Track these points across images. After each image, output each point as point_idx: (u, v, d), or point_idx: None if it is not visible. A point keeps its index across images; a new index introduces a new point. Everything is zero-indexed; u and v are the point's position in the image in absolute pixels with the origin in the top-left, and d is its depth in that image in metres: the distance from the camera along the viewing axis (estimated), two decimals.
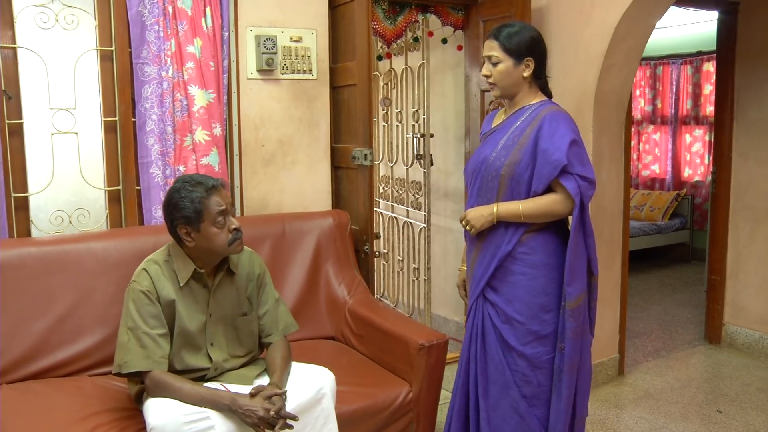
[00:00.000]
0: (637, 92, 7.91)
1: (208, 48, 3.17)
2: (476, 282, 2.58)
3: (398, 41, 4.22)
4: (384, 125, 5.05)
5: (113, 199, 3.16)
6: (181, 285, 2.29)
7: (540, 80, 2.58)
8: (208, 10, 3.17)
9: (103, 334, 2.77)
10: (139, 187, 3.17)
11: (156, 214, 3.16)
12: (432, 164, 4.51)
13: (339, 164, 3.65)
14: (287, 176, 3.50)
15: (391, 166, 4.97)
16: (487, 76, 2.52)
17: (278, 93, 3.44)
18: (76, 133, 3.05)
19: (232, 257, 2.41)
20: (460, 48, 4.31)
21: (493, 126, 2.67)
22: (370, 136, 3.40)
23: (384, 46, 4.21)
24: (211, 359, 2.34)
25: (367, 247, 3.46)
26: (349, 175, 3.59)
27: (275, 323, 2.52)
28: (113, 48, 3.08)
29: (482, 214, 2.51)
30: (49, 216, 3.04)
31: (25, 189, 2.98)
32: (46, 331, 2.68)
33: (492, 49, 2.49)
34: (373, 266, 3.51)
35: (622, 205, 3.91)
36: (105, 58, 3.09)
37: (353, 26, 3.43)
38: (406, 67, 4.62)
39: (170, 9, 3.10)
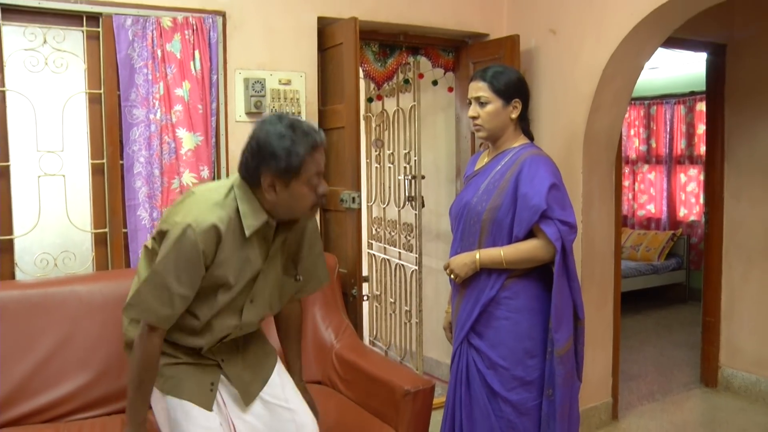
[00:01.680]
0: (632, 132, 7.99)
1: (196, 91, 3.21)
2: (460, 327, 2.58)
3: (389, 83, 4.28)
4: (377, 166, 5.09)
5: (100, 241, 3.17)
6: (247, 235, 2.00)
7: (523, 122, 2.61)
8: (197, 53, 3.22)
9: (86, 378, 2.76)
10: (125, 230, 3.17)
11: None
12: (423, 206, 4.53)
13: (328, 207, 3.67)
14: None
15: (384, 208, 4.99)
16: (474, 118, 2.54)
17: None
18: (63, 176, 3.07)
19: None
20: (450, 90, 4.37)
21: (476, 169, 2.69)
22: (358, 178, 3.42)
23: (375, 88, 4.26)
24: (241, 317, 2.14)
25: (355, 290, 3.46)
26: (338, 218, 3.61)
27: (313, 274, 2.36)
28: (102, 91, 3.12)
29: (465, 262, 2.52)
30: (35, 258, 3.04)
31: (10, 231, 2.99)
32: (26, 375, 2.66)
33: (480, 89, 2.51)
34: (361, 310, 3.51)
35: (613, 245, 3.92)
36: (93, 100, 3.13)
37: (342, 69, 3.48)
38: (398, 109, 4.68)
39: (159, 52, 3.15)
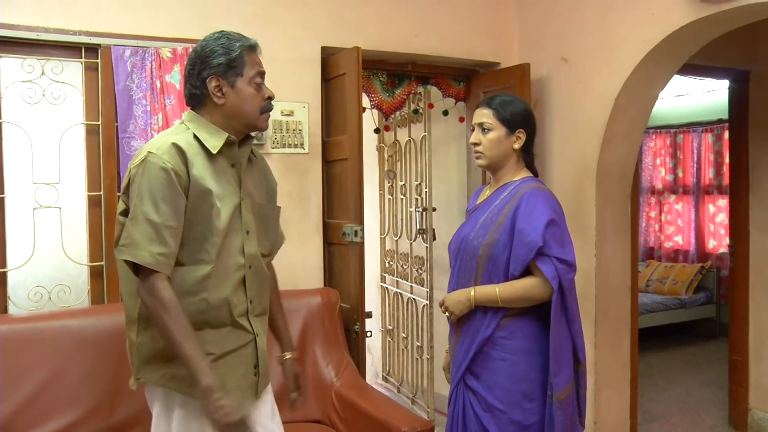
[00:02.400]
0: (657, 161, 7.86)
1: None
2: (456, 367, 2.50)
3: (398, 113, 4.24)
4: (389, 198, 5.04)
5: (96, 274, 3.15)
6: (214, 153, 1.97)
7: (527, 156, 2.54)
8: None
9: (76, 415, 2.73)
10: None
11: None
12: (435, 239, 4.46)
13: (332, 240, 3.62)
14: (278, 252, 3.46)
15: (396, 241, 4.93)
16: (476, 144, 2.49)
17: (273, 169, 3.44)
18: (59, 208, 3.07)
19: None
20: (462, 120, 4.32)
21: (477, 203, 2.63)
22: (360, 211, 3.37)
23: (384, 119, 4.23)
24: (244, 253, 2.04)
25: (357, 326, 3.39)
26: (341, 252, 3.56)
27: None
28: (100, 122, 3.12)
29: (460, 299, 2.45)
30: (29, 292, 3.03)
31: (3, 264, 2.98)
32: (14, 411, 2.63)
33: (484, 116, 2.46)
34: (364, 346, 3.44)
35: (629, 280, 3.81)
36: (91, 132, 3.14)
37: (345, 99, 3.45)
38: (410, 139, 4.64)
39: (158, 83, 3.16)
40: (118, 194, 3.14)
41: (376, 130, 4.18)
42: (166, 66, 3.18)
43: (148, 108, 3.16)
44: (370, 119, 4.08)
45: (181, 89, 3.16)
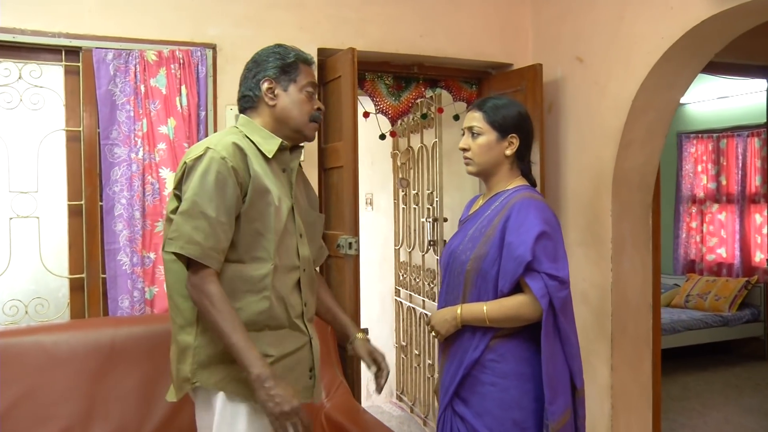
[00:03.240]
0: (699, 168, 7.54)
1: (182, 128, 3.11)
2: (444, 391, 2.34)
3: (411, 118, 4.09)
4: (403, 207, 4.90)
5: (76, 287, 3.07)
6: (270, 158, 2.06)
7: (523, 163, 2.38)
8: (183, 88, 3.12)
9: None
10: (104, 275, 3.06)
11: (122, 304, 3.05)
12: None
13: (330, 252, 3.48)
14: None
15: (410, 252, 4.78)
16: (465, 150, 2.35)
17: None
18: (38, 218, 3.00)
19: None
20: None
21: (470, 213, 2.48)
22: (356, 222, 3.23)
23: (390, 124, 4.09)
24: (299, 255, 2.12)
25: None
26: (338, 265, 3.42)
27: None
28: (81, 128, 3.05)
29: (446, 318, 2.31)
30: (3, 306, 2.96)
31: None
32: None
33: (474, 119, 2.32)
34: (359, 366, 3.28)
35: (650, 297, 3.58)
36: (72, 138, 3.06)
37: (341, 103, 3.32)
38: (422, 146, 4.49)
39: (142, 88, 3.07)
40: (100, 203, 3.06)
41: (382, 136, 4.03)
42: (151, 69, 3.09)
43: (132, 114, 3.07)
44: (376, 125, 3.92)
45: (167, 93, 3.10)
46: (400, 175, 4.83)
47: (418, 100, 3.98)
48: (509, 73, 3.83)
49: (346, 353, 2.45)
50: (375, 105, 3.86)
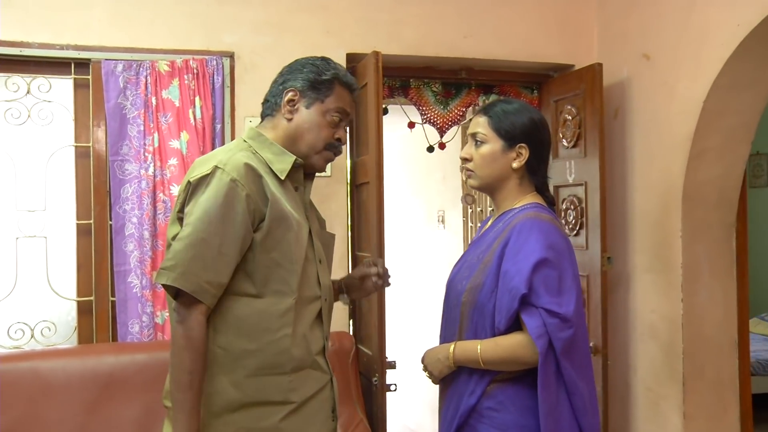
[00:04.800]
0: None
1: (195, 142, 2.96)
2: None
3: (457, 127, 3.78)
4: (471, 226, 4.57)
5: (85, 311, 2.96)
6: (282, 179, 1.81)
7: (535, 177, 2.03)
8: (197, 100, 2.98)
9: None
10: (113, 299, 2.94)
11: (132, 329, 2.91)
12: None
13: None
14: None
15: None
16: (465, 160, 2.03)
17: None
18: (45, 237, 2.93)
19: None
20: None
21: (480, 234, 2.16)
22: (381, 243, 2.95)
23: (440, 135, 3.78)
24: (320, 284, 1.89)
25: (377, 378, 2.95)
26: None
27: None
28: (90, 144, 2.95)
29: (438, 357, 2.00)
30: (9, 328, 2.89)
31: None
32: None
33: (478, 125, 2.01)
34: (384, 402, 2.98)
35: (735, 334, 3.07)
36: (82, 155, 2.97)
37: (366, 113, 3.07)
38: None
39: (153, 100, 2.94)
40: (110, 222, 2.94)
41: (429, 149, 3.72)
42: (163, 81, 2.96)
43: (142, 128, 2.94)
44: (423, 137, 3.64)
45: (180, 106, 2.96)
46: (465, 191, 4.51)
47: (470, 108, 3.65)
48: (567, 75, 3.45)
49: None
50: (421, 114, 3.58)
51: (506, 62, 3.46)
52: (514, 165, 1.98)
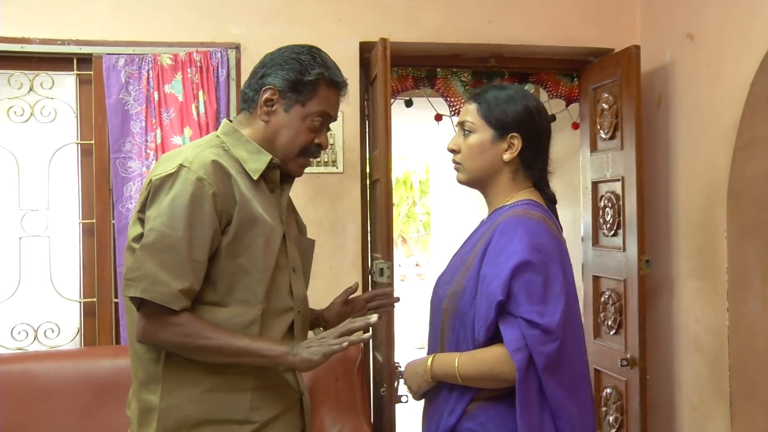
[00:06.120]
0: None
1: (198, 137, 2.85)
2: None
3: None
4: None
5: (89, 312, 2.92)
6: (255, 179, 1.69)
7: (531, 171, 1.82)
8: (201, 94, 2.88)
9: None
10: (117, 300, 2.88)
11: None
12: None
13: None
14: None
15: None
16: (453, 151, 1.84)
17: (291, 190, 2.99)
18: (48, 237, 2.90)
19: None
20: (575, 126, 3.49)
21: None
22: (389, 245, 2.78)
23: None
24: (292, 294, 1.76)
25: (384, 388, 2.78)
26: None
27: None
28: (92, 141, 2.90)
29: (417, 371, 1.82)
30: (12, 329, 2.87)
31: None
32: None
33: (467, 113, 1.82)
34: (393, 414, 2.81)
35: None
36: (86, 152, 2.93)
37: (375, 105, 2.90)
38: None
39: (155, 95, 2.86)
40: (112, 221, 2.89)
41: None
42: (166, 75, 2.88)
43: (144, 124, 2.87)
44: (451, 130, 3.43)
45: (183, 100, 2.87)
46: None
47: None
48: (605, 60, 3.17)
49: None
50: (449, 106, 3.38)
51: (538, 47, 3.21)
52: (506, 157, 1.77)
